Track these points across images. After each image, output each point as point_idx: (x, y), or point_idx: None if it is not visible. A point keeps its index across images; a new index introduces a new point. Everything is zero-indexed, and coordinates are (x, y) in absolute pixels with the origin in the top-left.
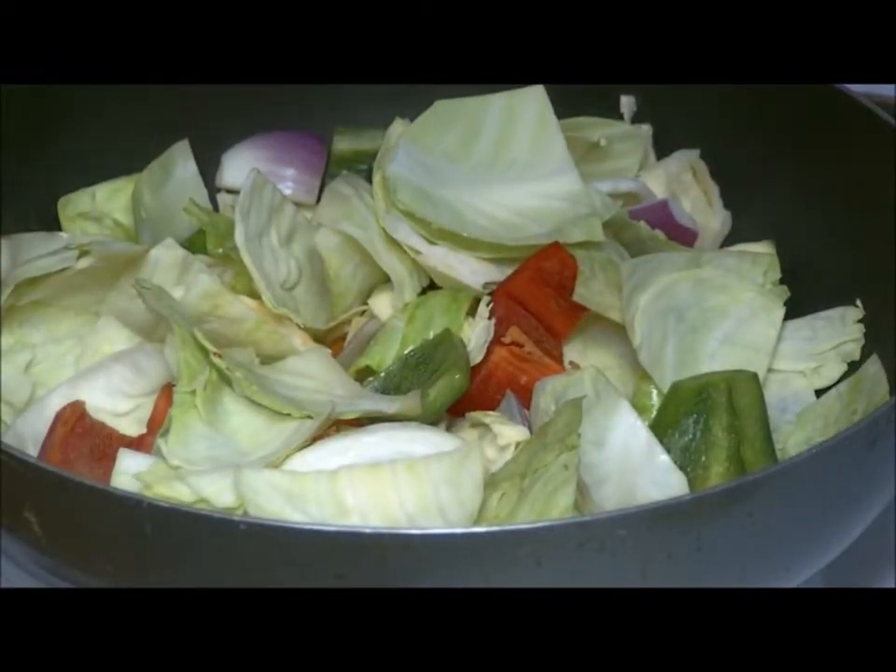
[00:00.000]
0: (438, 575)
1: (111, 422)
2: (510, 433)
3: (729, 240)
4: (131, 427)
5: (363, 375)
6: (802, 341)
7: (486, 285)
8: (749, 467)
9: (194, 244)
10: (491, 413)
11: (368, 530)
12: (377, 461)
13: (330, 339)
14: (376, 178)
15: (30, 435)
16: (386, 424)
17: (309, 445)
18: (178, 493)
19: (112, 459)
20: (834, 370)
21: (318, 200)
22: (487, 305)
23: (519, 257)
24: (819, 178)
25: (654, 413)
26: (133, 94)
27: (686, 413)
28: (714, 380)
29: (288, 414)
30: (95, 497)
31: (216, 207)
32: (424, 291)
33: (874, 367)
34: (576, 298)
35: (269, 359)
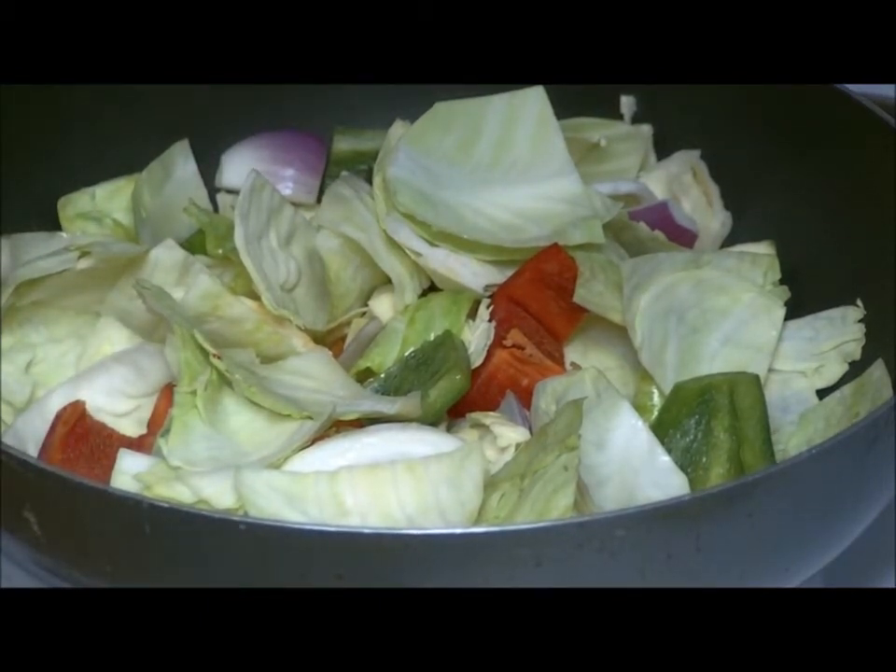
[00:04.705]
0: (437, 575)
1: (111, 422)
2: (510, 434)
3: (729, 240)
4: (131, 427)
5: (363, 377)
6: (803, 341)
7: (487, 287)
8: (749, 469)
9: (194, 244)
10: (491, 413)
11: (367, 531)
12: (377, 462)
13: (331, 340)
14: (377, 180)
15: (30, 435)
16: (386, 425)
17: (309, 446)
18: (178, 494)
19: (112, 459)
20: (836, 370)
21: (318, 200)
22: (488, 308)
23: (519, 259)
24: (819, 178)
25: (655, 413)
26: (133, 94)
27: (688, 414)
28: (716, 381)
29: (289, 415)
30: (95, 498)
31: (216, 207)
32: (424, 293)
33: (878, 371)
34: (576, 299)
35: (269, 360)
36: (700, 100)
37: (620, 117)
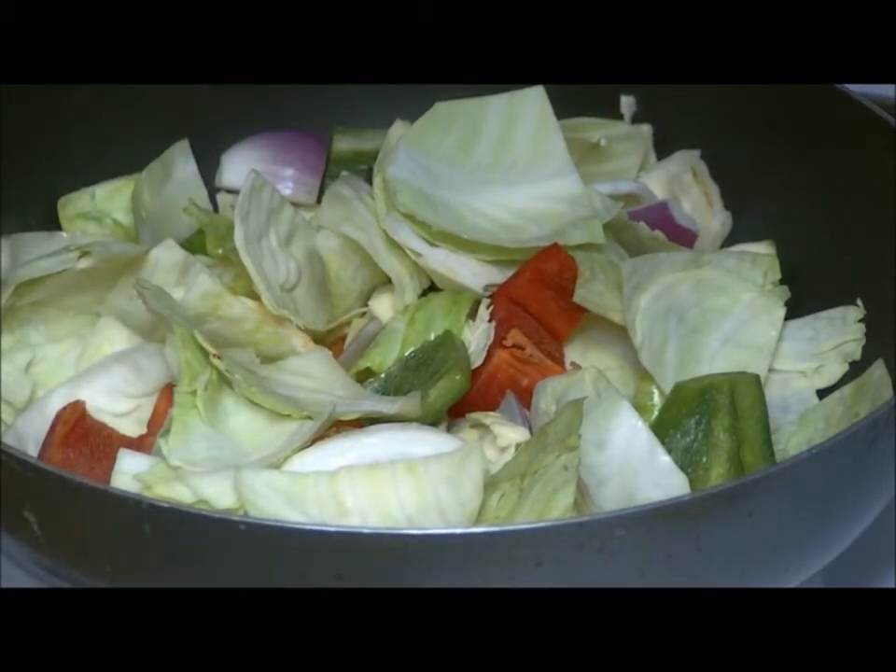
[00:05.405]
0: (437, 575)
1: (111, 422)
2: (510, 434)
3: (729, 240)
4: (131, 427)
5: (363, 377)
6: (803, 341)
7: (487, 287)
8: (749, 469)
9: (194, 244)
10: (491, 413)
11: (367, 531)
12: (377, 462)
13: (331, 340)
14: (377, 181)
15: (30, 435)
16: (387, 425)
17: (309, 446)
18: (178, 493)
19: (112, 459)
20: (836, 369)
21: (318, 200)
22: (488, 308)
23: (519, 259)
24: (819, 178)
25: (655, 413)
26: (133, 94)
27: (688, 414)
28: (716, 381)
29: (289, 415)
30: (95, 498)
31: (216, 207)
32: (424, 293)
33: (878, 371)
34: (576, 299)
35: (269, 360)
36: (700, 100)
37: (620, 117)
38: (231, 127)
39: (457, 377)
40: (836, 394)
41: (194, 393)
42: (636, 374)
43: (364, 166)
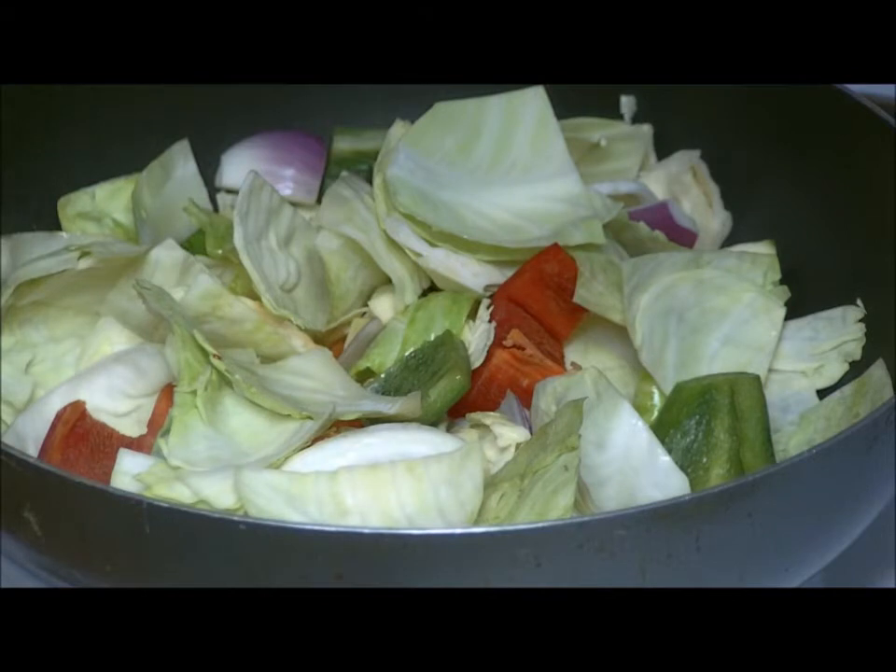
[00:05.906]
0: (437, 575)
1: (111, 422)
2: (510, 434)
3: (729, 240)
4: (131, 427)
5: (363, 377)
6: (803, 341)
7: (487, 287)
8: (748, 469)
9: (194, 244)
10: (491, 413)
11: (367, 531)
12: (377, 462)
13: (331, 340)
14: (377, 181)
15: (30, 435)
16: (387, 425)
17: (309, 446)
18: (178, 494)
19: (112, 459)
20: (836, 369)
21: (318, 200)
22: (488, 308)
23: (519, 259)
24: (818, 179)
25: (655, 413)
26: (134, 94)
27: (689, 415)
28: (717, 382)
29: (289, 415)
30: (95, 498)
31: (216, 207)
32: (425, 293)
33: (878, 371)
34: (576, 300)
35: (269, 360)
36: (700, 100)
37: (620, 117)
38: (231, 127)
39: (457, 377)
40: (836, 394)
41: (194, 393)
42: (636, 374)
43: (364, 166)
